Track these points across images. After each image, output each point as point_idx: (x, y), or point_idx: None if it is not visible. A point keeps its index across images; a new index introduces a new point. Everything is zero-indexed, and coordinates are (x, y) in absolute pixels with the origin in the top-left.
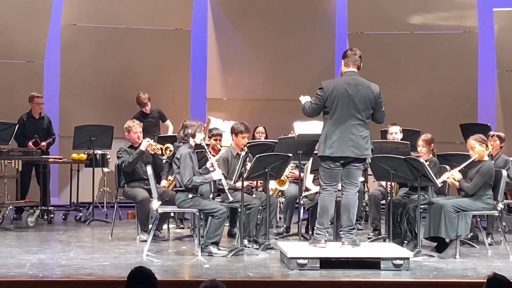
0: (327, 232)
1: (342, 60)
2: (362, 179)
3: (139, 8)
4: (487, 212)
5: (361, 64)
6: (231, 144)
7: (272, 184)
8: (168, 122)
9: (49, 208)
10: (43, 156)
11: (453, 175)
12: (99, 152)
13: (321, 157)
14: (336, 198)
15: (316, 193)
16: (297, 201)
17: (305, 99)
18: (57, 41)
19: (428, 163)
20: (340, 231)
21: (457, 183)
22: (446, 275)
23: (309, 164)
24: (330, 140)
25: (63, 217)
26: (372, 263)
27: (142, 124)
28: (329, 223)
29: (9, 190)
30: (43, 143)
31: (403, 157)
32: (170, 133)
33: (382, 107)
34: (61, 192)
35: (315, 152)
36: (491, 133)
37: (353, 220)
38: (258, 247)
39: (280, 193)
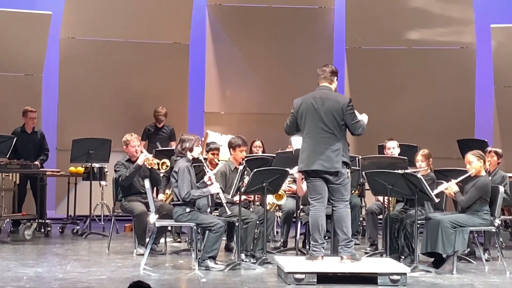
0: (323, 247)
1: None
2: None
3: (137, 22)
4: (484, 228)
5: (335, 76)
6: (229, 158)
7: (270, 199)
8: (173, 143)
9: (46, 221)
10: (40, 169)
11: (450, 187)
12: (97, 165)
13: (302, 173)
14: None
15: None
16: (295, 215)
17: None
18: (55, 54)
19: (425, 178)
20: (338, 246)
21: (453, 194)
22: None
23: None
24: (302, 155)
25: (60, 230)
26: (369, 278)
27: (140, 138)
28: (323, 238)
29: (6, 203)
30: (36, 162)
31: (401, 172)
32: None
33: (352, 118)
34: (58, 205)
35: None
36: (489, 149)
37: (348, 233)
38: (255, 261)
39: (277, 207)
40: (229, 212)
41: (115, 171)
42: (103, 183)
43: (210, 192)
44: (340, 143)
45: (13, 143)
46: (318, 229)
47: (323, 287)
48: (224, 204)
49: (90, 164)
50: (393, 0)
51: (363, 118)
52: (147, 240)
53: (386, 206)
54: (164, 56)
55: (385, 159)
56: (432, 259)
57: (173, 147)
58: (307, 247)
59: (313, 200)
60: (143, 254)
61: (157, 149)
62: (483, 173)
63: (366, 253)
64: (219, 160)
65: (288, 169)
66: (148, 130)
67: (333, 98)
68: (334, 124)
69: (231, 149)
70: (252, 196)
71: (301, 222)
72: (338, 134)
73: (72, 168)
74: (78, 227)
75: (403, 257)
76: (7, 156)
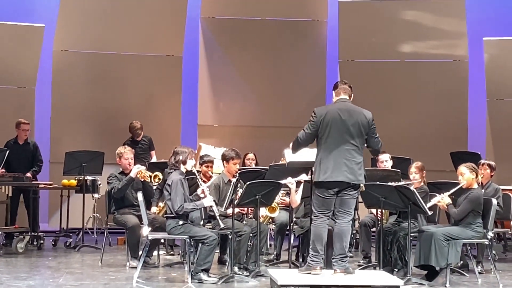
0: (322, 258)
1: (333, 92)
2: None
3: (131, 35)
4: (477, 240)
5: (352, 94)
6: (223, 171)
7: (263, 211)
8: (153, 152)
9: (39, 234)
10: (33, 182)
11: (443, 199)
12: (90, 178)
13: (315, 184)
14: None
15: (305, 214)
16: (288, 228)
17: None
18: (48, 67)
19: (418, 191)
20: (333, 258)
21: (446, 206)
22: None
23: (294, 187)
24: (324, 165)
25: (53, 243)
26: None
27: (133, 150)
28: (323, 249)
29: None
30: (28, 175)
31: (394, 184)
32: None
33: (375, 133)
34: (51, 218)
35: (305, 179)
36: (482, 161)
37: (346, 247)
38: (248, 274)
39: (270, 220)
40: (222, 225)
41: (108, 183)
42: (96, 195)
43: (203, 205)
44: (361, 156)
45: (6, 155)
46: (321, 240)
47: None
48: (217, 217)
49: (83, 176)
50: (386, 13)
51: None
52: (140, 252)
53: (379, 218)
54: (157, 69)
55: (378, 172)
56: (425, 272)
57: (165, 160)
58: (300, 259)
59: (321, 213)
60: (136, 267)
61: (150, 162)
62: (475, 185)
63: (359, 265)
64: (212, 173)
65: (281, 181)
66: (127, 144)
67: (360, 112)
68: (359, 136)
69: (224, 162)
70: (245, 209)
71: (294, 235)
72: (360, 147)
73: (65, 181)
74: (71, 240)
75: (396, 269)
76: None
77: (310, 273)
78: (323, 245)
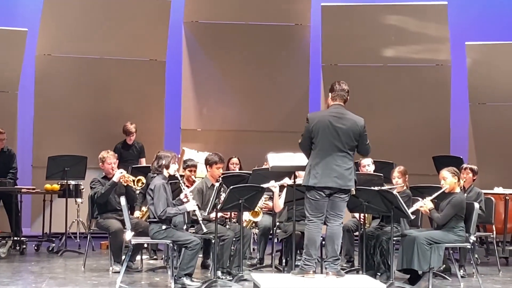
0: (315, 262)
1: (330, 94)
2: None
3: (114, 39)
4: (460, 244)
5: (348, 97)
6: (206, 175)
7: (246, 216)
8: (143, 160)
9: (21, 238)
10: (15, 187)
11: (425, 204)
12: (73, 182)
13: (306, 187)
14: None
15: (289, 219)
16: (271, 232)
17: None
18: (31, 71)
19: (401, 195)
20: (325, 261)
21: (428, 211)
22: None
23: (277, 190)
24: (314, 171)
25: (36, 248)
26: None
27: (116, 155)
28: (317, 253)
29: None
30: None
31: (377, 189)
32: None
33: (366, 140)
34: (33, 222)
35: (288, 183)
36: (464, 165)
37: (338, 250)
38: (231, 278)
39: (254, 224)
40: (205, 229)
41: (91, 188)
42: (78, 200)
43: (186, 210)
44: (352, 162)
45: None
46: (315, 244)
47: None
48: (200, 221)
49: (65, 181)
50: (369, 17)
51: None
52: (123, 257)
53: (362, 222)
54: (140, 73)
55: (361, 176)
56: (408, 276)
57: (144, 164)
58: (284, 263)
59: (313, 216)
60: (119, 272)
61: (133, 166)
62: (458, 190)
63: (342, 269)
64: (196, 177)
65: (264, 185)
66: (119, 148)
67: (351, 118)
68: (349, 143)
69: (207, 166)
70: (229, 213)
71: (277, 239)
72: (351, 153)
73: (47, 185)
74: (54, 244)
75: (379, 273)
76: None
77: (303, 276)
78: (317, 250)
